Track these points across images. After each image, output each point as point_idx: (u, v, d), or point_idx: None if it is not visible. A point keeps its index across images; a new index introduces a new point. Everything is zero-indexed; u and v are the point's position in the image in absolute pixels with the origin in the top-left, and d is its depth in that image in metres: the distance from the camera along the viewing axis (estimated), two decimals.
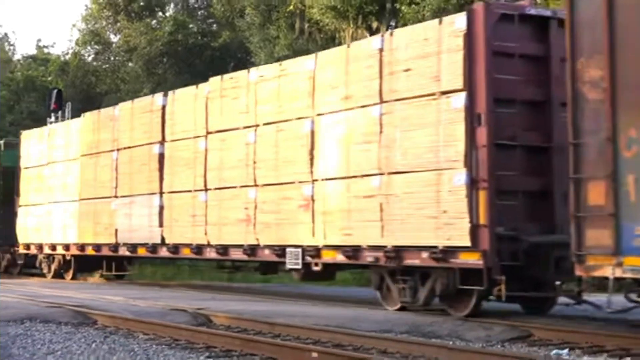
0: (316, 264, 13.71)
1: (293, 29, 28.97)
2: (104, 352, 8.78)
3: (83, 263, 21.10)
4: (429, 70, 11.94)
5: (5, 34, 54.69)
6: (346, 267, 15.08)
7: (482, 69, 11.39)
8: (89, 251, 19.71)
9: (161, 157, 17.23)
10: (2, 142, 24.93)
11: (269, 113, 14.65)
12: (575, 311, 12.17)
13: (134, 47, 37.01)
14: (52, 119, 23.97)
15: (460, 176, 11.33)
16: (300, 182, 13.90)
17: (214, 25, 38.65)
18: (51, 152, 21.42)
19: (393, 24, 24.22)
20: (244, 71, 15.90)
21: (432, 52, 11.89)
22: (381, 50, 12.69)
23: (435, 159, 11.71)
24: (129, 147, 18.40)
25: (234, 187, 15.29)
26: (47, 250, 21.55)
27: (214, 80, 16.17)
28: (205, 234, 15.80)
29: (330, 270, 14.33)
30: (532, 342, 10.21)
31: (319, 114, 13.72)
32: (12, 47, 50.98)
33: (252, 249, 14.87)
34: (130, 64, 38.65)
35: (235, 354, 8.81)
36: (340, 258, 13.22)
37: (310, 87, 13.88)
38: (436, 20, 12.19)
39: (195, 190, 16.11)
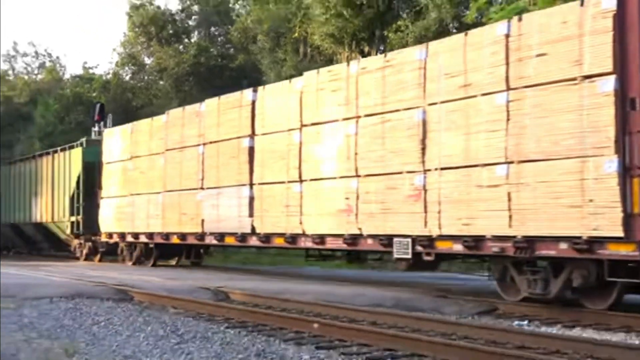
0: (428, 254, 11.45)
1: (298, 52, 29.22)
2: (140, 324, 9.05)
3: (163, 250, 18.89)
4: (568, 55, 9.62)
5: (57, 57, 56.04)
6: (453, 257, 12.78)
7: (635, 50, 9.04)
8: (174, 240, 17.30)
9: (251, 150, 14.85)
10: (84, 139, 22.60)
11: (372, 104, 12.34)
12: None
13: (164, 67, 37.79)
14: (96, 128, 24.04)
15: (610, 163, 9.00)
16: (409, 172, 11.58)
17: (231, 49, 38.67)
18: (134, 148, 19.10)
19: (382, 48, 24.37)
20: (343, 64, 13.51)
21: (572, 35, 9.58)
22: (507, 36, 10.38)
23: (578, 146, 9.36)
24: (216, 142, 16.00)
25: (333, 178, 12.97)
26: (129, 239, 19.25)
27: (309, 75, 13.86)
28: (301, 223, 13.46)
29: (435, 261, 11.97)
30: (498, 315, 10.58)
31: (431, 104, 11.39)
32: (62, 68, 51.16)
33: (354, 239, 12.55)
34: (161, 82, 39.14)
35: (249, 325, 8.96)
36: (457, 248, 10.95)
37: (420, 76, 11.57)
38: (576, 2, 9.80)
39: (289, 182, 13.78)
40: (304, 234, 13.54)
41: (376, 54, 19.49)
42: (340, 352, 7.18)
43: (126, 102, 38.41)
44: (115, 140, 20.39)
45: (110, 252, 21.36)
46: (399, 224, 11.69)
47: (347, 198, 12.55)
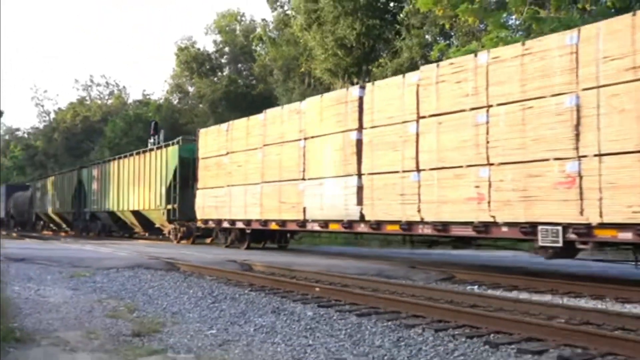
0: (584, 242, 9.03)
1: (304, 83, 29.70)
2: (184, 288, 9.05)
3: (255, 236, 16.94)
4: None
5: (123, 86, 60.75)
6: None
7: None
8: (272, 226, 15.37)
9: (358, 142, 12.61)
10: (180, 138, 21.05)
11: (508, 93, 9.92)
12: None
13: (202, 94, 39.20)
14: (152, 140, 24.02)
15: None
16: (557, 159, 9.12)
17: (254, 80, 39.61)
18: (230, 144, 17.02)
19: (367, 79, 23.59)
20: (469, 56, 11.10)
21: None
22: None
23: None
24: (318, 136, 13.80)
25: (459, 167, 10.53)
26: (225, 225, 17.26)
27: (427, 68, 11.55)
28: (419, 211, 11.17)
29: (573, 249, 9.53)
30: (455, 282, 10.67)
31: (586, 88, 8.87)
32: (127, 95, 54.14)
33: (486, 226, 10.21)
34: (200, 106, 40.56)
35: (267, 289, 8.93)
36: (624, 236, 8.42)
37: (571, 61, 9.08)
38: None
39: (404, 171, 11.45)
40: (421, 222, 11.27)
41: (363, 83, 18.26)
42: (336, 309, 7.31)
43: (174, 120, 39.31)
44: (210, 138, 18.30)
45: (201, 236, 20.08)
46: (546, 211, 9.27)
47: (477, 186, 10.17)
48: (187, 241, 20.16)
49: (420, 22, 23.07)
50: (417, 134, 11.38)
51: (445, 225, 10.88)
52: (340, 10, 24.77)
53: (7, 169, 59.37)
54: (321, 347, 5.42)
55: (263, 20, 39.11)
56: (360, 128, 12.69)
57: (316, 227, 14.02)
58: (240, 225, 16.61)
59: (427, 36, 23.72)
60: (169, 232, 21.16)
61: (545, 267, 12.42)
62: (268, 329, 6.18)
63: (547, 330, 5.76)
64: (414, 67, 18.43)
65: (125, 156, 24.82)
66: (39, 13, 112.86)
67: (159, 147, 21.90)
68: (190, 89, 42.65)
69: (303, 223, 14.17)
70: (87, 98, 53.53)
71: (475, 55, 10.66)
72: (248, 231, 16.54)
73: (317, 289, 8.60)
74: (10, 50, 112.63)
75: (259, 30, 37.60)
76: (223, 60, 42.75)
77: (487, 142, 10.07)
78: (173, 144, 20.98)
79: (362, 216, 12.47)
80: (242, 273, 10.68)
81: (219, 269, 11.13)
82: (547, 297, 8.63)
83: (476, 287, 9.86)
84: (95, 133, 47.21)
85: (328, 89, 25.53)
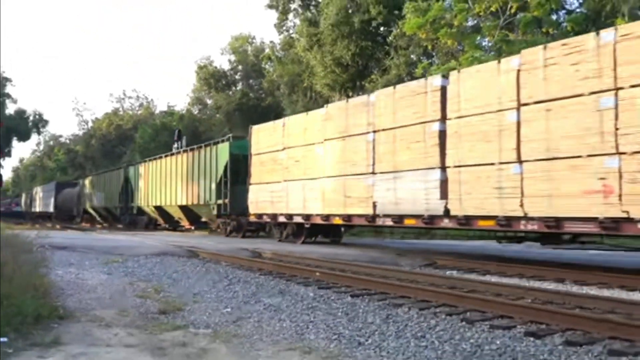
0: None
1: (306, 96, 29.27)
2: (203, 272, 8.99)
3: (313, 230, 14.77)
4: None
5: (151, 99, 61.81)
6: None
7: None
8: (335, 221, 13.02)
9: (441, 133, 10.35)
10: (230, 135, 19.17)
11: None
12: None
13: (219, 106, 39.05)
14: (175, 145, 23.77)
15: None
16: None
17: (263, 94, 38.59)
18: (287, 140, 14.64)
19: (360, 93, 23.39)
20: (588, 35, 8.50)
21: None
22: None
23: None
24: (391, 128, 11.44)
25: (575, 157, 8.30)
26: (281, 219, 14.94)
27: (530, 52, 9.22)
28: (521, 205, 8.98)
29: None
30: (436, 267, 10.60)
31: None
32: (154, 106, 53.43)
33: (615, 222, 7.90)
34: (217, 116, 40.24)
35: (274, 273, 8.88)
36: None
37: None
38: None
39: (502, 163, 9.28)
40: (525, 217, 9.03)
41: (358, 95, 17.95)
42: (333, 291, 7.27)
43: (195, 128, 38.83)
44: (264, 134, 15.87)
45: (252, 230, 18.02)
46: None
47: (602, 178, 7.96)
48: (237, 235, 18.00)
49: (406, 44, 23.04)
50: (518, 123, 9.12)
51: (558, 221, 8.62)
52: (338, 33, 24.75)
53: (52, 170, 59.39)
54: (321, 323, 5.41)
55: (271, 42, 38.87)
56: (444, 119, 10.41)
57: (388, 222, 11.68)
58: (298, 219, 14.25)
59: (412, 56, 23.67)
60: (218, 226, 19.16)
61: (513, 254, 12.40)
62: (275, 307, 6.15)
63: (515, 309, 5.72)
64: (400, 82, 18.32)
65: (172, 154, 22.95)
66: (81, 33, 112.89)
67: (207, 145, 19.66)
68: (209, 102, 42.29)
69: (372, 218, 11.89)
70: (120, 109, 53.55)
71: (597, 34, 8.29)
72: (307, 225, 14.19)
73: (317, 273, 8.50)
74: (55, 68, 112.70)
75: (267, 50, 37.48)
76: (237, 77, 42.52)
77: (616, 128, 7.85)
78: (223, 140, 18.86)
79: (446, 211, 10.24)
80: (251, 259, 10.51)
81: (233, 256, 10.97)
82: (515, 280, 8.56)
83: (454, 271, 9.74)
84: (127, 139, 47.29)
85: (327, 101, 25.45)
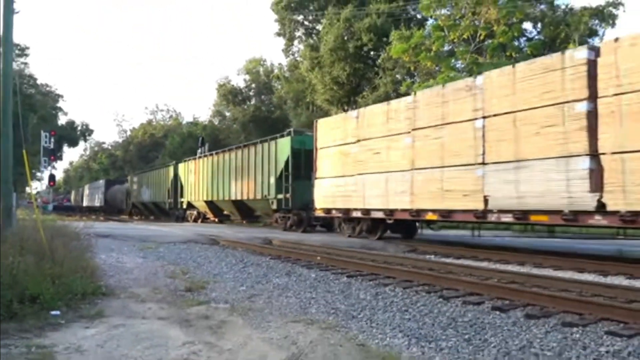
0: None
1: (308, 109, 29.07)
2: (222, 257, 8.81)
3: (388, 226, 11.95)
4: None
5: (179, 112, 61.16)
6: None
7: None
8: (428, 216, 10.14)
9: (590, 115, 7.46)
10: (291, 129, 16.67)
11: None
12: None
13: (235, 118, 39.01)
14: (199, 150, 23.14)
15: None
16: None
17: (273, 107, 38.36)
18: (361, 132, 11.74)
19: (355, 107, 22.60)
20: None
21: None
22: None
23: None
24: (510, 112, 8.54)
25: None
26: (355, 215, 11.98)
27: None
28: None
29: None
30: (418, 252, 10.32)
31: None
32: (182, 117, 53.09)
33: None
34: (234, 126, 40.07)
35: (282, 258, 8.71)
36: None
37: None
38: None
39: None
40: None
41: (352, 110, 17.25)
42: (332, 272, 7.21)
43: (215, 136, 38.65)
44: (330, 128, 12.96)
45: (316, 224, 15.40)
46: None
47: None
48: (297, 229, 15.06)
49: (392, 65, 23.06)
50: None
51: None
52: (335, 57, 24.84)
53: (96, 171, 59.67)
54: (321, 299, 5.39)
55: (279, 64, 39.03)
56: (592, 97, 7.50)
57: (506, 219, 8.73)
58: (378, 215, 11.32)
59: (397, 75, 23.71)
60: (276, 220, 16.21)
61: (481, 242, 12.40)
62: (283, 286, 6.12)
63: (484, 287, 5.70)
64: (388, 98, 18.17)
65: (224, 151, 20.01)
66: (120, 55, 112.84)
67: (264, 141, 16.90)
68: (227, 114, 42.03)
69: (483, 214, 8.98)
70: (153, 120, 53.77)
71: None
72: (390, 221, 11.36)
73: (319, 257, 8.45)
74: (99, 85, 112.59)
75: (276, 71, 37.68)
76: (250, 93, 42.58)
77: None
78: (283, 136, 16.15)
79: (600, 205, 7.36)
80: (262, 246, 10.31)
81: (247, 242, 10.82)
82: (484, 264, 8.52)
83: (433, 256, 9.68)
84: (159, 145, 47.49)
85: (326, 113, 25.34)
